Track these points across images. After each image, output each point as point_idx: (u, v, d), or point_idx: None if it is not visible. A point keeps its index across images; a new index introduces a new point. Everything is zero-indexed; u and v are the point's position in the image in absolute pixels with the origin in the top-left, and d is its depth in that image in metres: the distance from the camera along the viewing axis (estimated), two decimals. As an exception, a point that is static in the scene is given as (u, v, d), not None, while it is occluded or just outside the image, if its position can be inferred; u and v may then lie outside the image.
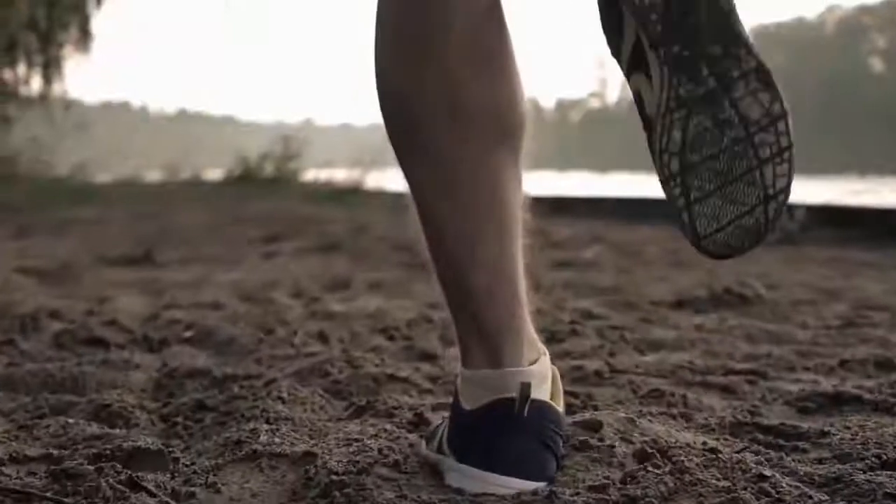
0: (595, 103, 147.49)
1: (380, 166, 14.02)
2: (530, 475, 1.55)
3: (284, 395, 2.16)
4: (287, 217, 9.12)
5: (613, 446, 1.71)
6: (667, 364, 2.61)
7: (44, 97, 20.47)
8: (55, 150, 17.94)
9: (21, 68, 20.80)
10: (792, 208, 7.22)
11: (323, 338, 3.02)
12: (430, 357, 2.77)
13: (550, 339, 2.87)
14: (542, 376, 1.59)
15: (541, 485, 1.54)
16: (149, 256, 5.49)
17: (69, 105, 20.89)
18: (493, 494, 1.53)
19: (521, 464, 1.55)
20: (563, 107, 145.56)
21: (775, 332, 3.15)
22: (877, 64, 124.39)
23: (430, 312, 3.38)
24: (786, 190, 1.48)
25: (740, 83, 1.46)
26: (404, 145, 1.59)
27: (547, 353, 1.65)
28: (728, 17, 1.46)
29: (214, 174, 17.94)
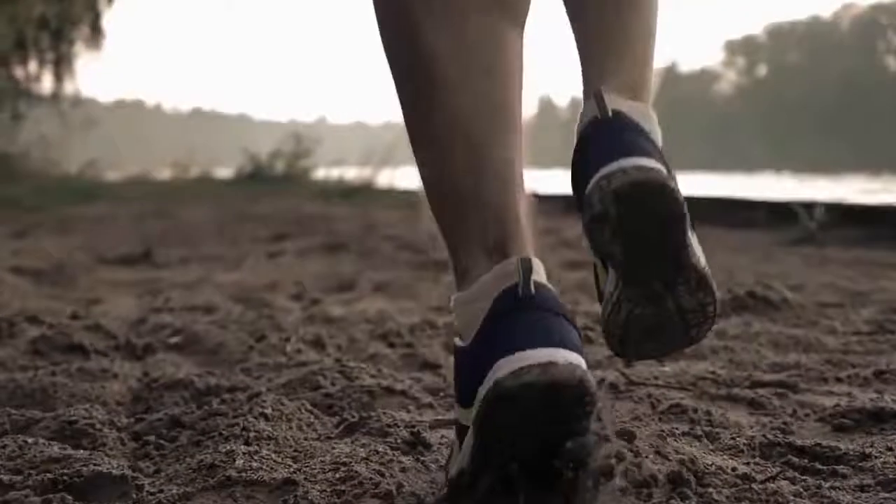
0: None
1: (391, 164, 13.87)
2: (552, 342, 1.32)
3: (269, 410, 1.96)
4: (295, 215, 8.95)
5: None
6: (688, 375, 2.41)
7: (55, 95, 20.46)
8: (65, 148, 17.85)
9: (32, 65, 20.78)
10: (811, 206, 7.02)
11: (318, 344, 2.82)
12: (431, 366, 2.57)
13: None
14: (541, 267, 1.43)
15: (574, 355, 1.32)
16: (148, 256, 5.31)
17: (79, 102, 20.91)
18: (540, 364, 1.28)
19: (541, 332, 1.33)
20: (576, 105, 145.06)
21: (803, 338, 2.94)
22: (892, 63, 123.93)
23: (434, 317, 3.18)
24: (702, 336, 1.66)
25: (680, 287, 1.56)
26: (403, 41, 1.51)
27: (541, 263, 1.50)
28: (679, 248, 1.53)
29: (224, 172, 17.81)
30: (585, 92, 1.64)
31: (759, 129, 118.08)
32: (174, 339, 2.90)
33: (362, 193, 12.45)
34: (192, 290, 4.12)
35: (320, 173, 15.97)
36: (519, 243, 1.45)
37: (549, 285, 1.39)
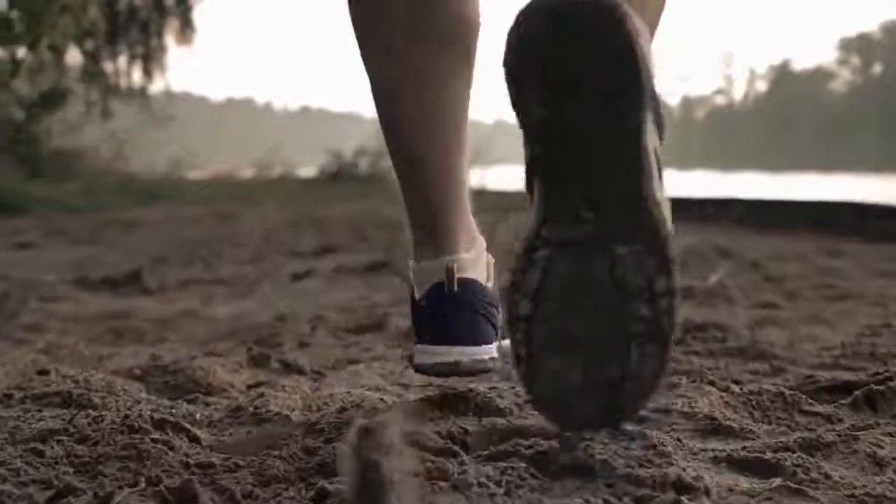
0: (720, 100, 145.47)
1: (482, 164, 12.80)
2: (467, 341, 1.73)
3: None
4: (361, 222, 7.92)
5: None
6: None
7: (143, 90, 20.04)
8: (145, 146, 17.22)
9: (122, 60, 20.33)
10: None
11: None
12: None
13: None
14: (473, 259, 1.79)
15: (484, 348, 1.74)
16: (137, 278, 4.23)
17: (171, 98, 20.61)
18: (442, 363, 1.72)
19: (455, 333, 1.73)
20: (687, 104, 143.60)
21: None
22: None
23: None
24: (651, 383, 1.30)
25: (617, 243, 1.28)
26: (367, 52, 1.75)
27: (484, 242, 1.85)
28: (635, 162, 1.29)
29: (310, 171, 17.03)
30: None
31: (874, 129, 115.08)
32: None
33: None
34: (157, 330, 3.08)
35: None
36: (450, 240, 1.78)
37: (475, 277, 1.77)
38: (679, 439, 1.55)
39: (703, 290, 3.97)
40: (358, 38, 1.75)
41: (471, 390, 1.84)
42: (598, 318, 1.29)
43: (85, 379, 1.92)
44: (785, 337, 2.94)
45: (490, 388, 1.88)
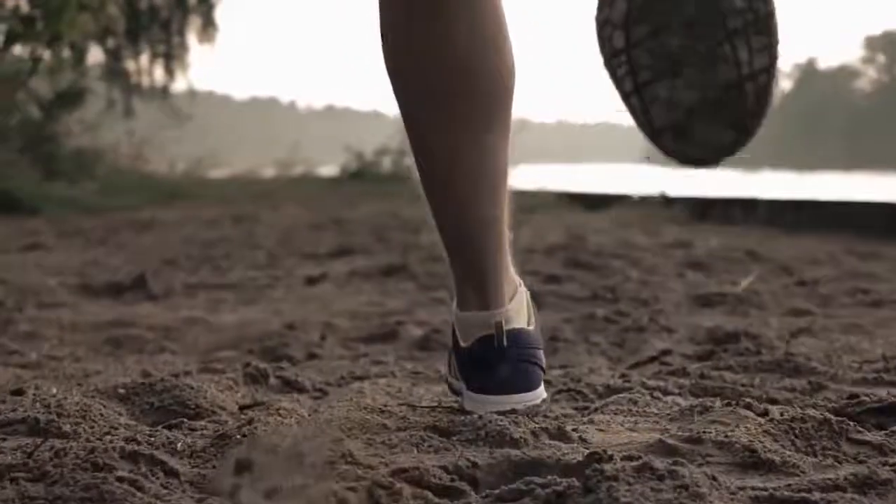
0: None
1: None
2: (518, 389, 1.80)
3: None
4: (381, 221, 7.75)
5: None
6: None
7: (165, 89, 19.95)
8: (166, 145, 17.09)
9: (144, 59, 20.22)
10: None
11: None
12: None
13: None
14: (517, 308, 1.84)
15: (535, 394, 1.82)
16: (142, 284, 4.06)
17: (193, 97, 20.54)
18: (497, 412, 1.72)
19: (508, 383, 1.80)
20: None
21: None
22: None
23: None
24: (768, 70, 1.24)
25: None
26: (406, 110, 1.77)
27: (521, 282, 1.89)
28: None
29: (331, 170, 16.83)
30: None
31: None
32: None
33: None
34: (153, 339, 2.92)
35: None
36: (495, 291, 1.81)
37: (520, 325, 1.82)
38: (714, 477, 1.38)
39: (733, 296, 3.79)
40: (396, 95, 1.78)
41: (481, 417, 1.68)
42: (694, 28, 1.25)
43: (58, 403, 1.74)
44: (821, 349, 2.76)
45: (503, 414, 1.71)
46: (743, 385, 2.17)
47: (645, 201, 9.27)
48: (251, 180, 15.49)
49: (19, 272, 4.47)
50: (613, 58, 1.31)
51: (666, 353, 2.70)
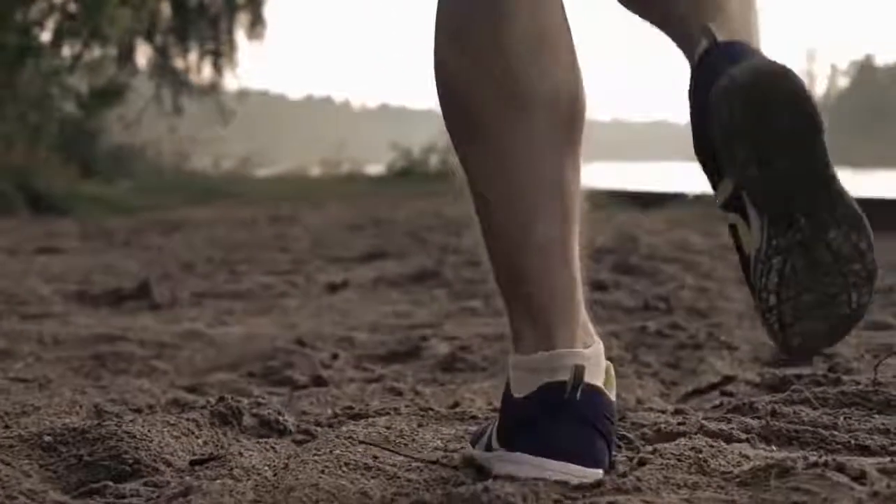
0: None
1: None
2: (584, 461, 1.47)
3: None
4: (422, 221, 7.39)
5: None
6: None
7: (214, 86, 19.75)
8: (218, 143, 16.90)
9: (192, 56, 20.05)
10: None
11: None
12: None
13: None
14: (596, 360, 1.53)
15: (596, 471, 1.46)
16: (146, 292, 3.68)
17: (244, 95, 20.35)
18: (543, 479, 1.41)
19: (573, 449, 1.47)
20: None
21: None
22: None
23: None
24: (866, 304, 1.50)
25: (832, 228, 1.47)
26: (461, 131, 1.57)
27: (601, 341, 1.57)
28: (821, 164, 1.47)
29: (377, 169, 16.57)
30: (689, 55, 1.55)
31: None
32: None
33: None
34: (126, 369, 2.55)
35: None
36: (563, 330, 1.51)
37: (597, 383, 1.50)
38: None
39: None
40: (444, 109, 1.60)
41: (495, 477, 1.30)
42: (827, 286, 1.48)
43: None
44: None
45: (512, 478, 1.33)
46: (825, 427, 1.76)
47: (700, 200, 8.86)
48: (296, 179, 15.23)
49: (16, 278, 4.12)
50: (767, 312, 1.48)
51: (728, 379, 2.31)
